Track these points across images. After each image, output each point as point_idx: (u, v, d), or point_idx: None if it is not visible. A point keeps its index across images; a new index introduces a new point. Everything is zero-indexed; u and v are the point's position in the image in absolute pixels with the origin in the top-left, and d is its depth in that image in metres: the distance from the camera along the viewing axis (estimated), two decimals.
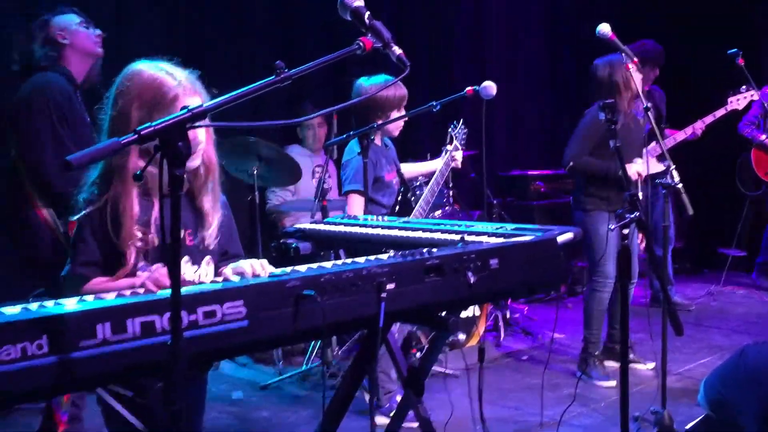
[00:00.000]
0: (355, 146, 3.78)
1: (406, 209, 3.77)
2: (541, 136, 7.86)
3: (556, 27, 7.80)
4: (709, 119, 5.31)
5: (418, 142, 6.20)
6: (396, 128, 3.84)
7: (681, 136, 5.36)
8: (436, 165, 4.15)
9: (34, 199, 3.32)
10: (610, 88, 4.28)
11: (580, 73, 6.26)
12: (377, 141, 3.83)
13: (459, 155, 4.15)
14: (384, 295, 1.86)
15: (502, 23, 7.50)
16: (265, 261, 1.96)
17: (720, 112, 5.31)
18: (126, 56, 2.15)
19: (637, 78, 4.07)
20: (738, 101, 5.19)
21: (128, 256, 1.99)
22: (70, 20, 3.54)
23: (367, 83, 3.80)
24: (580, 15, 7.60)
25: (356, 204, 3.67)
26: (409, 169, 4.15)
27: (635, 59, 3.76)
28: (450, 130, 4.26)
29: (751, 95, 5.17)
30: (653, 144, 4.78)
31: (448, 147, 4.18)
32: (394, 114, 3.76)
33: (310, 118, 2.78)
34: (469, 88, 3.75)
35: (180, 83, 2.04)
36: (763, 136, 6.53)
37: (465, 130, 4.27)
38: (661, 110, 5.87)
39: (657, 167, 4.73)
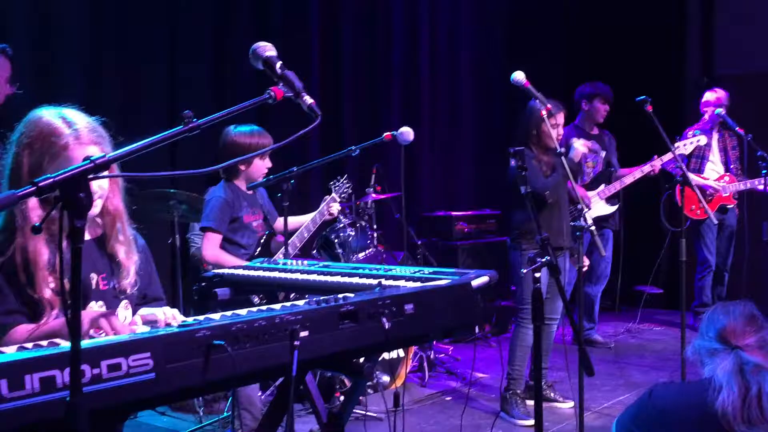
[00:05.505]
0: (218, 189, 3.90)
1: (267, 253, 3.89)
2: (470, 177, 7.97)
3: (485, 70, 7.98)
4: (657, 162, 5.51)
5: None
6: (259, 173, 3.89)
7: (639, 173, 5.51)
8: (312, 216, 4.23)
9: None
10: (526, 135, 4.40)
11: (510, 115, 6.40)
12: (241, 185, 3.91)
13: (336, 207, 4.24)
14: (297, 343, 1.85)
15: (436, 65, 7.62)
16: (176, 311, 1.94)
17: (668, 156, 5.48)
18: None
19: (556, 121, 4.20)
20: (685, 146, 5.43)
21: (46, 301, 1.96)
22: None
23: (234, 131, 3.88)
24: (511, 58, 7.79)
25: (211, 240, 3.78)
26: (292, 220, 4.20)
27: (548, 106, 3.88)
28: (331, 184, 4.38)
29: (698, 140, 5.42)
30: (602, 187, 4.94)
31: (326, 197, 4.28)
32: (258, 161, 3.85)
33: (209, 171, 2.77)
34: (387, 134, 3.84)
35: (75, 131, 2.00)
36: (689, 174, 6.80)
37: (348, 185, 4.40)
38: (610, 154, 6.01)
39: (606, 209, 4.86)
